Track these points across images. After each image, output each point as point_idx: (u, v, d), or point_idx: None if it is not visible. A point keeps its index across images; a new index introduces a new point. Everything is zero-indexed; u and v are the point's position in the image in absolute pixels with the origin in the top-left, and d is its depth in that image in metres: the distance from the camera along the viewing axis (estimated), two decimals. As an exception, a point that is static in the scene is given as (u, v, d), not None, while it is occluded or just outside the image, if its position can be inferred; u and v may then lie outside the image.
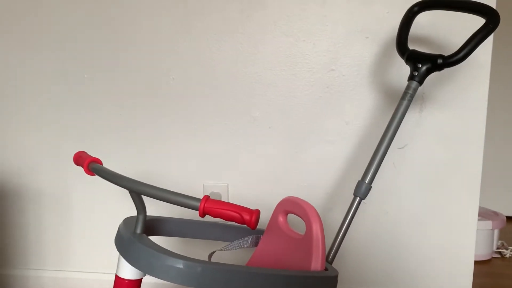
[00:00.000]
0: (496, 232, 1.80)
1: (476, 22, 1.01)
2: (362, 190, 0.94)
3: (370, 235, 1.34)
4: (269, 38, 1.29)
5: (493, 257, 1.85)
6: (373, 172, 0.94)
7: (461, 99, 1.27)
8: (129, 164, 1.36)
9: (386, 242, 1.34)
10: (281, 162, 1.32)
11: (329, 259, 0.91)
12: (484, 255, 1.78)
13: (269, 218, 0.96)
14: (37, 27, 1.35)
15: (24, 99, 1.37)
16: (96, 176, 1.36)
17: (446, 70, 1.24)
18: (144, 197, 0.72)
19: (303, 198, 0.88)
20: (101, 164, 0.77)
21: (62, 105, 1.36)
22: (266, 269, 0.72)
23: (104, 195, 1.39)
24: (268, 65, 1.30)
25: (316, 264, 0.79)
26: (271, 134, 1.32)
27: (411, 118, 1.27)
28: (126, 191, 1.37)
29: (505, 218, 1.83)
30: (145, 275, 0.75)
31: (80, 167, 0.83)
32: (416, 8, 1.03)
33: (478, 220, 1.52)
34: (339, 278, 1.34)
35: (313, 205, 0.85)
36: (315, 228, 0.81)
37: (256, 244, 0.96)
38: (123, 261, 0.72)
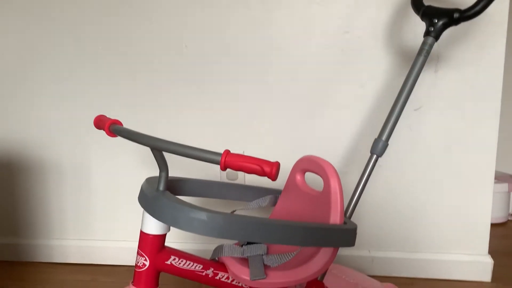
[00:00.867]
0: (512, 195, 1.80)
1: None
2: (378, 148, 0.94)
3: (385, 198, 1.35)
4: (282, 2, 1.28)
5: (509, 220, 1.85)
6: (390, 130, 0.94)
7: (477, 58, 1.25)
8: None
9: (402, 204, 1.35)
10: (296, 127, 1.33)
11: (346, 215, 0.93)
12: (500, 218, 1.78)
13: (285, 180, 0.97)
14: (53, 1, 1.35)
15: (43, 73, 1.39)
16: (115, 145, 1.39)
17: (461, 29, 1.22)
18: (165, 157, 0.74)
19: (320, 157, 0.89)
20: (121, 125, 0.78)
21: (79, 77, 1.38)
22: (286, 221, 0.74)
23: (123, 165, 1.41)
24: (281, 29, 1.29)
25: (335, 217, 0.80)
26: (285, 99, 1.32)
27: (426, 79, 1.26)
28: (144, 159, 1.39)
29: (522, 181, 1.82)
30: (169, 230, 0.77)
31: (100, 131, 0.84)
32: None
33: (495, 183, 1.52)
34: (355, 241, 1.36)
35: (331, 164, 0.86)
36: (333, 183, 0.82)
37: (274, 203, 0.97)
38: (147, 217, 0.74)
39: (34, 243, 1.49)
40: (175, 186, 0.87)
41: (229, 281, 0.81)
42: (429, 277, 1.37)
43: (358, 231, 1.36)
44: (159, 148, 0.70)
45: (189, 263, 0.78)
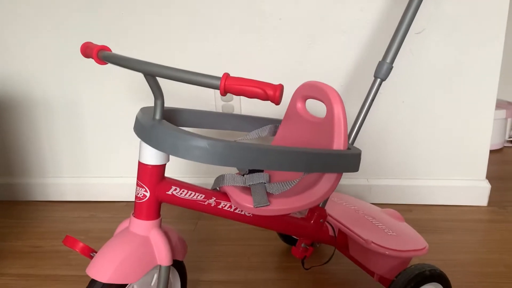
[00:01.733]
0: (509, 121, 1.79)
1: None
2: (383, 71, 0.90)
3: (384, 126, 1.33)
4: None
5: (505, 146, 1.86)
6: (395, 51, 0.90)
7: (485, -25, 1.18)
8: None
9: (400, 132, 1.33)
10: (294, 55, 1.27)
11: (349, 142, 0.90)
12: (497, 144, 1.78)
13: (285, 109, 0.94)
14: None
15: (25, 8, 1.29)
16: (105, 77, 1.33)
17: None
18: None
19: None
20: (110, 51, 0.73)
21: (61, 5, 1.28)
22: (289, 147, 0.71)
23: (115, 97, 1.36)
24: None
25: (339, 143, 0.78)
26: (282, 26, 1.25)
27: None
28: (137, 91, 1.34)
29: (519, 108, 1.81)
30: (168, 160, 0.74)
31: (89, 62, 0.79)
32: None
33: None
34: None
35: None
36: (337, 108, 0.79)
37: (274, 133, 0.94)
38: (145, 147, 0.71)
39: (29, 182, 1.47)
40: (170, 117, 0.83)
41: (231, 210, 0.80)
42: (427, 203, 1.38)
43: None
44: (153, 74, 0.66)
45: (191, 193, 0.76)
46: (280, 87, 0.61)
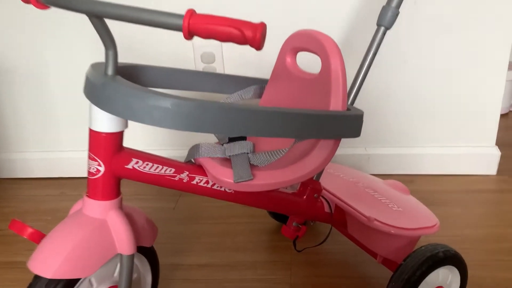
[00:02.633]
0: (516, 84, 1.66)
1: None
2: (387, 17, 0.76)
3: (383, 88, 1.19)
4: None
5: (510, 111, 1.74)
6: (402, -7, 0.75)
7: None
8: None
9: (402, 95, 1.20)
10: None
11: (348, 102, 0.77)
12: (503, 108, 1.66)
13: (273, 66, 0.80)
14: None
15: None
16: (73, 40, 1.17)
17: None
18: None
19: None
20: (51, -9, 0.57)
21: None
22: (276, 108, 0.57)
23: (85, 63, 1.20)
24: None
25: (337, 103, 0.64)
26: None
27: None
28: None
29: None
30: (126, 126, 0.60)
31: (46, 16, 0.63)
32: None
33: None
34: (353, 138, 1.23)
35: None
36: (334, 61, 0.65)
37: (260, 95, 0.81)
38: (96, 111, 0.57)
39: (-8, 157, 1.33)
40: (132, 75, 0.69)
41: (208, 186, 0.67)
42: (431, 173, 1.26)
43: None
44: (98, 14, 0.51)
45: (157, 167, 0.63)
46: (262, 27, 0.47)
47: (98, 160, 0.59)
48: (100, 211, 0.60)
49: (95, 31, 0.55)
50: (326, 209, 0.81)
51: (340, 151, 1.21)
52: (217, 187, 0.67)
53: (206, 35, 0.48)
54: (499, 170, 1.25)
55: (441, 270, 0.71)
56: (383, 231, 0.74)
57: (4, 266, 0.95)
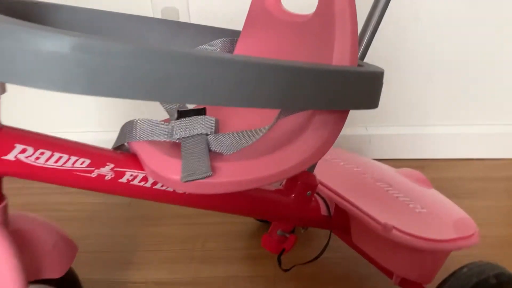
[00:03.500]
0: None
1: None
2: None
3: (391, 55, 0.97)
4: None
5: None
6: None
7: None
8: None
9: (415, 62, 0.97)
10: None
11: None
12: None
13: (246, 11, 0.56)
14: None
15: None
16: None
17: None
18: None
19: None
20: None
21: None
22: (251, 58, 0.34)
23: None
24: None
25: (343, 54, 0.41)
26: None
27: None
28: None
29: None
30: (3, 91, 0.37)
31: None
32: None
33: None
34: (352, 115, 1.01)
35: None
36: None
37: (230, 50, 0.57)
38: None
39: None
40: (30, 13, 0.45)
41: (147, 185, 0.44)
42: (445, 157, 1.05)
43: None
44: None
45: (60, 157, 0.40)
46: None
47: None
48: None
49: None
50: (323, 211, 0.59)
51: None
52: (160, 186, 0.44)
53: None
54: (527, 153, 1.04)
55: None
56: (404, 244, 0.52)
57: None
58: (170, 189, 0.45)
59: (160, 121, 0.46)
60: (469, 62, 0.97)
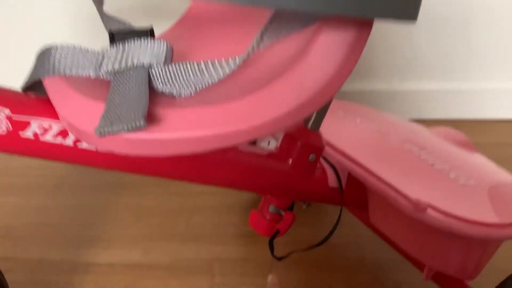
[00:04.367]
0: None
1: None
2: None
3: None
4: None
5: None
6: None
7: None
8: None
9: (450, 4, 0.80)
10: None
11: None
12: None
13: None
14: None
15: None
16: None
17: None
18: None
19: None
20: None
21: None
22: None
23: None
24: None
25: None
26: None
27: None
28: None
29: None
30: None
31: None
32: None
33: None
34: (371, 65, 0.85)
35: None
36: None
37: None
38: None
39: None
40: None
41: (65, 143, 0.30)
42: (483, 118, 0.88)
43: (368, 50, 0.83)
44: None
45: None
46: None
47: None
48: None
49: None
50: (332, 182, 0.44)
51: (347, 87, 0.84)
52: (82, 145, 0.30)
53: None
54: None
55: None
56: (442, 229, 0.37)
57: None
58: (92, 147, 0.31)
59: (91, 49, 0.31)
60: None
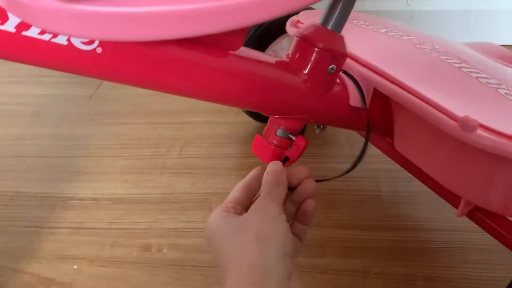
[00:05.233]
0: None
1: None
2: None
3: None
4: None
5: None
6: None
7: None
8: None
9: None
10: None
11: None
12: None
13: None
14: None
15: None
16: None
17: None
18: None
19: None
20: None
21: None
22: None
23: None
24: None
25: None
26: None
27: None
28: None
29: None
30: None
31: None
32: None
33: None
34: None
35: None
36: None
37: None
38: None
39: None
40: None
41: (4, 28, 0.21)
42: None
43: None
44: None
45: None
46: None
47: None
48: None
49: None
50: (354, 100, 0.36)
51: (362, 4, 0.74)
52: (39, 33, 0.22)
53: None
54: None
55: None
56: (492, 152, 0.30)
57: None
58: (62, 41, 0.23)
59: None
60: None
